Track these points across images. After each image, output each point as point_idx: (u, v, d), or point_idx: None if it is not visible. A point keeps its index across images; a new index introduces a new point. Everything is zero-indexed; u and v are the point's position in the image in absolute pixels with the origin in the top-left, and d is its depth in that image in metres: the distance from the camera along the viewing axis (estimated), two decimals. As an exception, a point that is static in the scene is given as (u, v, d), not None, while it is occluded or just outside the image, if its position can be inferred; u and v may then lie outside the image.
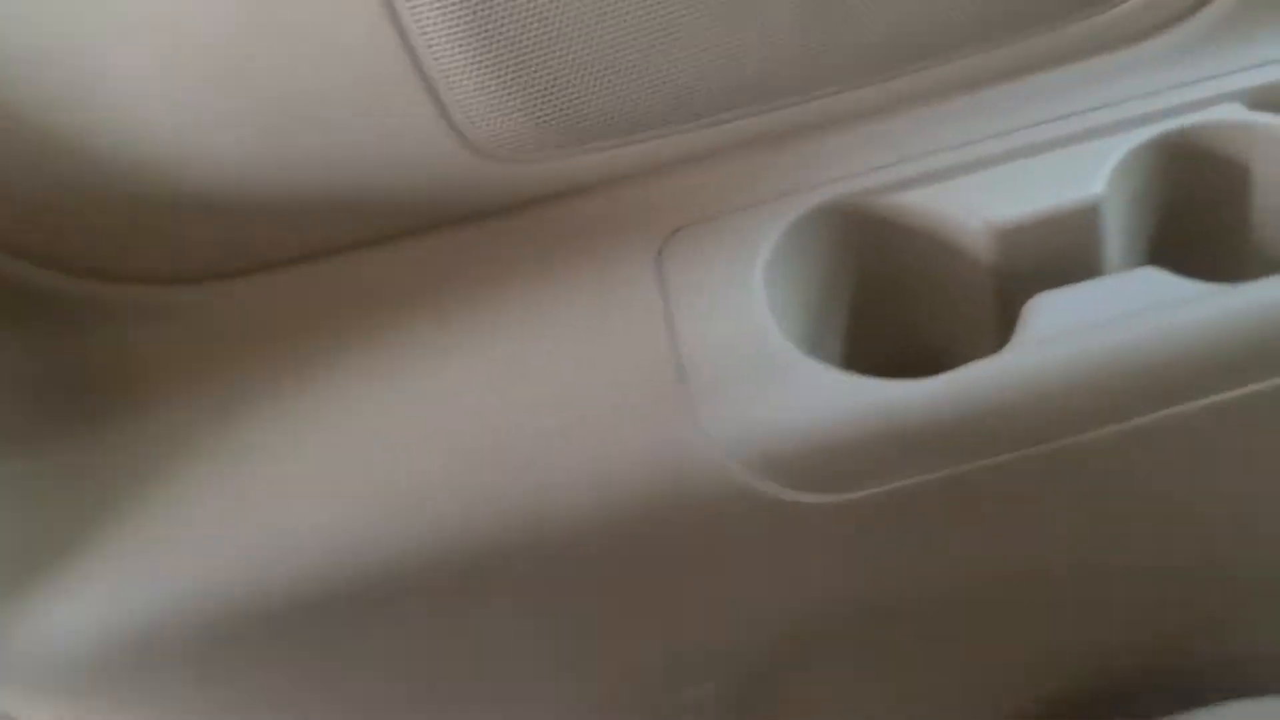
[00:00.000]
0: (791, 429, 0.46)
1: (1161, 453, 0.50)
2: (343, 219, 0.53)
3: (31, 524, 0.50)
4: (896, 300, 0.56)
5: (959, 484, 0.47)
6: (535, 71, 0.47)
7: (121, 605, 0.48)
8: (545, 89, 0.48)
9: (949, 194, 0.52)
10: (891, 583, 0.54)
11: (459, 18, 0.45)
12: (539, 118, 0.50)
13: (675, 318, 0.50)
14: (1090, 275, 0.53)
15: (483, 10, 0.45)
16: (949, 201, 0.52)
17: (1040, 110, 0.54)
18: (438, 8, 0.44)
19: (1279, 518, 0.57)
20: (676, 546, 0.50)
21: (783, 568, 0.51)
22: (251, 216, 0.52)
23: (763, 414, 0.46)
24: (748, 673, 0.58)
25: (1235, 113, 0.53)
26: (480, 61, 0.46)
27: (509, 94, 0.48)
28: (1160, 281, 0.48)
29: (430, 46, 0.45)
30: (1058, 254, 0.52)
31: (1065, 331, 0.47)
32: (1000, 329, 0.53)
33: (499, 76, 0.47)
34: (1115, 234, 0.53)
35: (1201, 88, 0.53)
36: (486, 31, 0.45)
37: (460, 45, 0.45)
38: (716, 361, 0.48)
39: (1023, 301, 0.49)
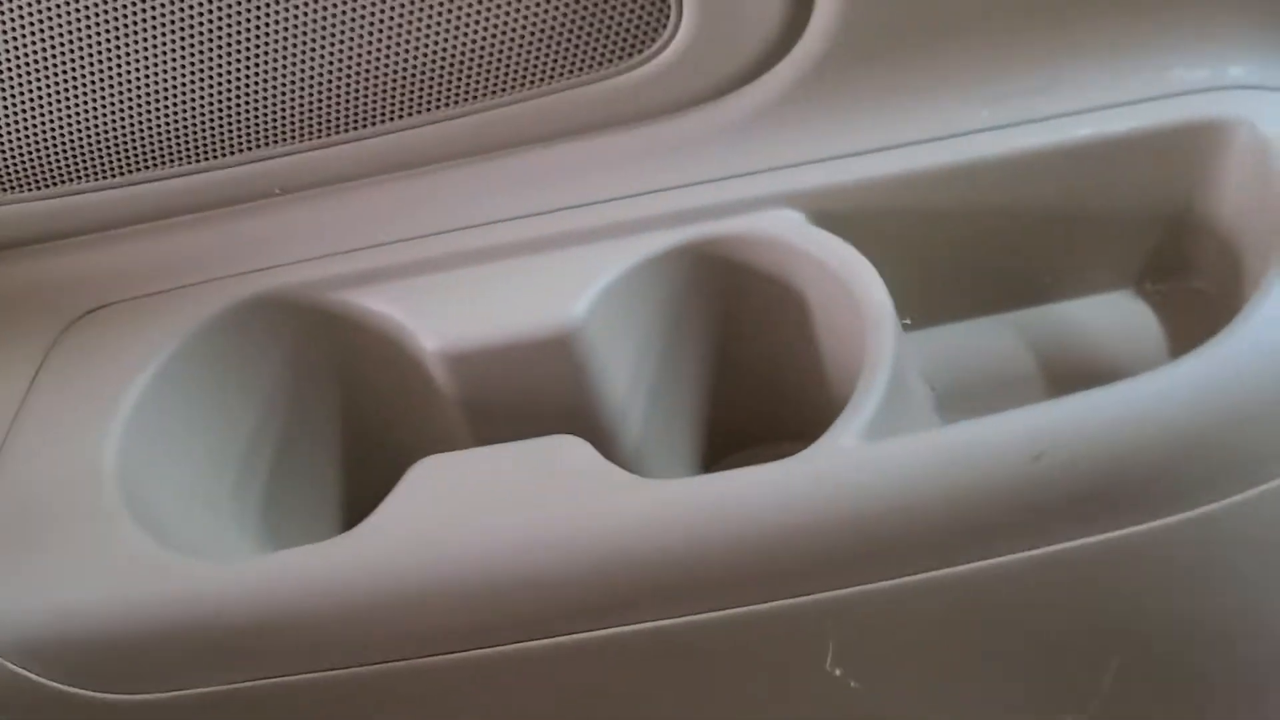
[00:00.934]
0: (76, 611, 0.36)
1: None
2: None
3: None
4: (358, 410, 0.45)
5: (280, 693, 0.36)
6: None
7: None
8: None
9: (407, 297, 0.41)
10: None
11: None
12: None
13: (13, 431, 0.40)
14: (584, 412, 0.41)
15: None
16: (404, 309, 0.41)
17: (541, 194, 0.41)
18: None
19: None
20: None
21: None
22: None
23: (43, 589, 0.36)
24: None
25: (790, 224, 0.40)
26: None
27: None
28: (572, 458, 0.36)
29: None
30: (531, 388, 0.40)
31: (428, 511, 0.35)
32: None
33: None
34: (619, 362, 0.41)
35: (750, 182, 0.40)
36: None
37: None
38: (19, 502, 0.38)
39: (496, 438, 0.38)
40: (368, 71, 0.39)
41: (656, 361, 0.42)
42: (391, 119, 0.40)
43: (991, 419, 0.32)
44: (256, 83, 0.39)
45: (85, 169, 0.42)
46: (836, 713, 0.36)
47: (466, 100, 0.40)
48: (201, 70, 0.39)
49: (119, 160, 0.41)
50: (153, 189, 0.42)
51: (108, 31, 0.38)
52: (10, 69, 0.39)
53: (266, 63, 0.39)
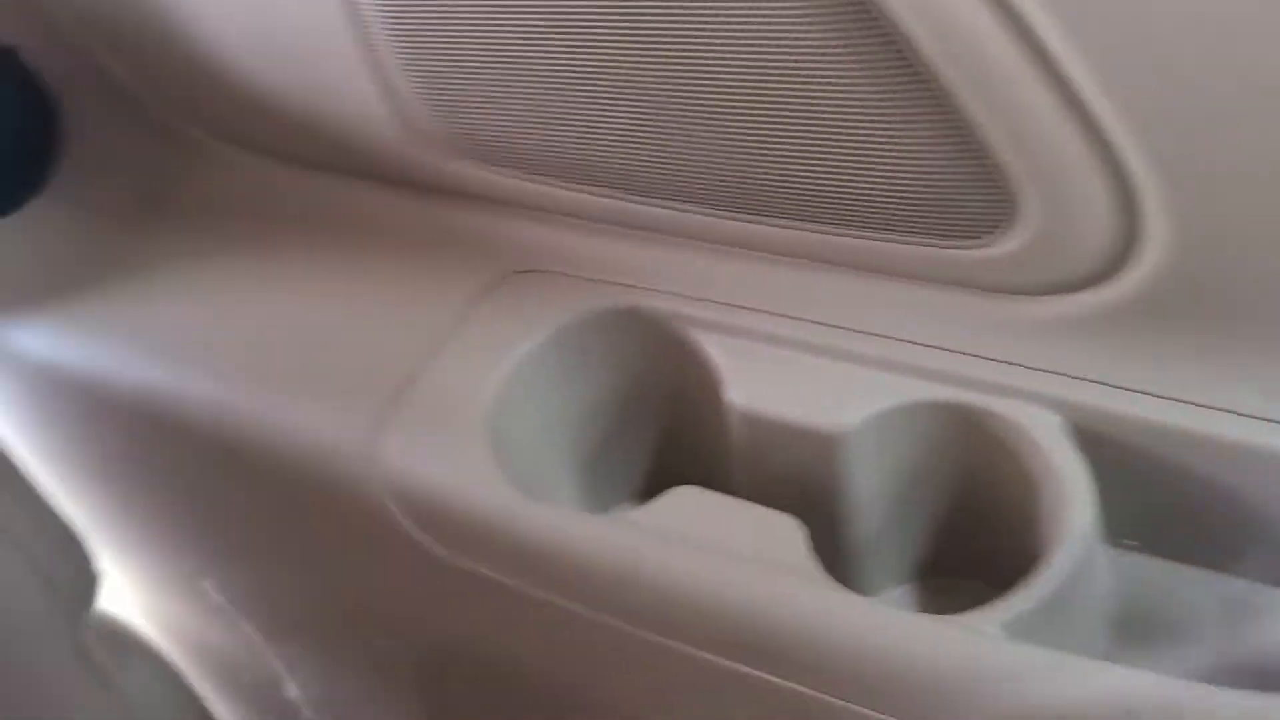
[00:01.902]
0: (446, 484, 0.51)
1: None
2: (322, 148, 0.63)
3: (59, 260, 0.69)
4: (664, 419, 0.56)
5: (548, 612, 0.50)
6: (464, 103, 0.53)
7: (66, 343, 0.66)
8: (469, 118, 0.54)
9: (736, 353, 0.52)
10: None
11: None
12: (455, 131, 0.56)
13: (444, 350, 0.55)
14: (829, 502, 0.50)
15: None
16: (729, 362, 0.52)
17: (866, 315, 0.50)
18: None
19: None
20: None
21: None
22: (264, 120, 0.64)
23: (430, 462, 0.52)
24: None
25: (1048, 426, 0.46)
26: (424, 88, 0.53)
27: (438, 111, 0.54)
28: (787, 542, 0.45)
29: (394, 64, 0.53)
30: (793, 464, 0.50)
31: (668, 528, 0.47)
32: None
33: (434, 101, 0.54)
34: (866, 472, 0.49)
35: (1030, 376, 0.46)
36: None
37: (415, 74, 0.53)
38: (432, 400, 0.54)
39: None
40: (807, 188, 0.48)
41: (894, 481, 0.50)
42: (801, 221, 0.50)
43: (1110, 668, 0.38)
44: (756, 172, 0.49)
45: (578, 175, 0.54)
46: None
47: (839, 224, 0.48)
48: (727, 149, 0.49)
49: (614, 178, 0.53)
50: (615, 205, 0.55)
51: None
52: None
53: (770, 163, 0.48)
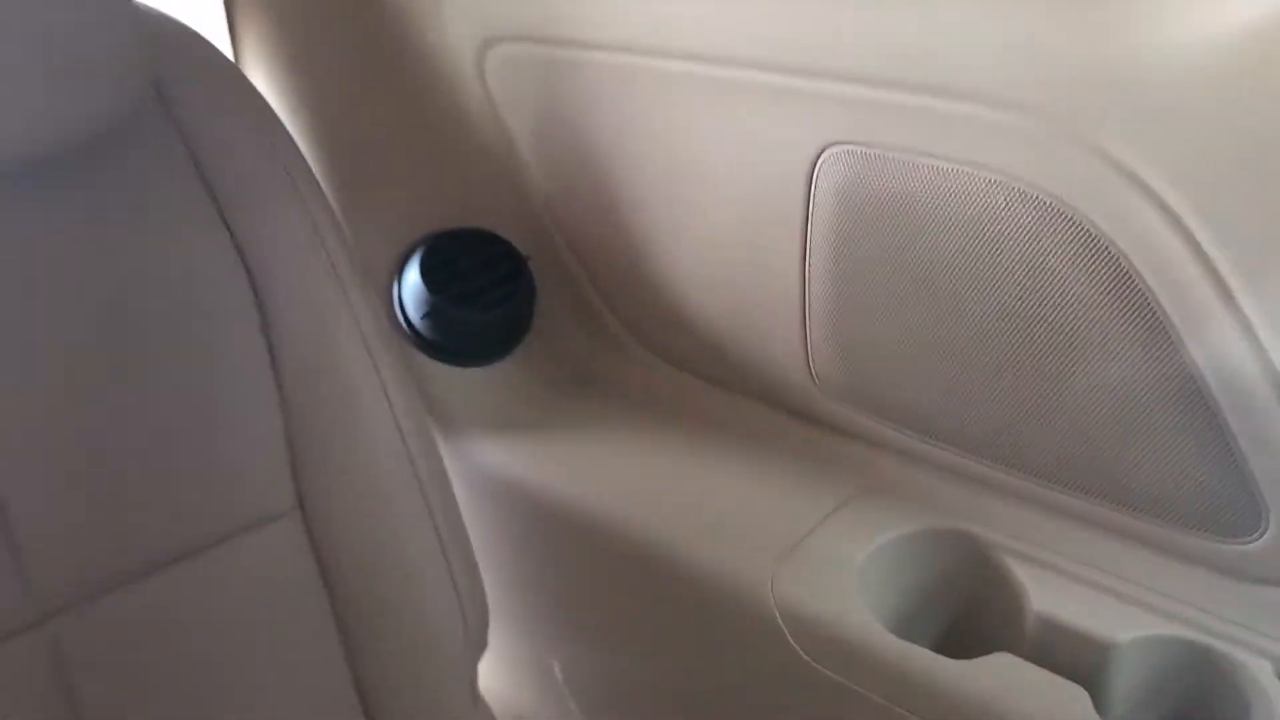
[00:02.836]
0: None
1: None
2: (732, 372, 0.91)
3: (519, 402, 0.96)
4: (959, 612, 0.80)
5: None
6: (869, 366, 0.80)
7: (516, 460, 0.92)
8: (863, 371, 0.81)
9: (1032, 574, 0.76)
10: None
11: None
12: (852, 383, 0.82)
13: (826, 522, 0.81)
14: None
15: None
16: (1029, 577, 0.76)
17: (1135, 571, 0.74)
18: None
19: None
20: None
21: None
22: (695, 343, 0.92)
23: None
24: None
25: (1263, 671, 0.68)
26: (842, 351, 0.80)
27: (845, 368, 0.81)
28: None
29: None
30: (1070, 661, 0.73)
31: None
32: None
33: (845, 361, 0.81)
34: (1118, 690, 0.72)
35: (1250, 634, 0.70)
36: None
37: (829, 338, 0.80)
38: (821, 558, 0.78)
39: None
40: (1099, 472, 0.74)
41: (1139, 691, 0.73)
42: (1091, 496, 0.75)
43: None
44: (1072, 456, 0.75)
45: (938, 432, 0.81)
46: None
47: (1119, 504, 0.73)
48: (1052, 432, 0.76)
49: (960, 438, 0.80)
50: (953, 458, 0.80)
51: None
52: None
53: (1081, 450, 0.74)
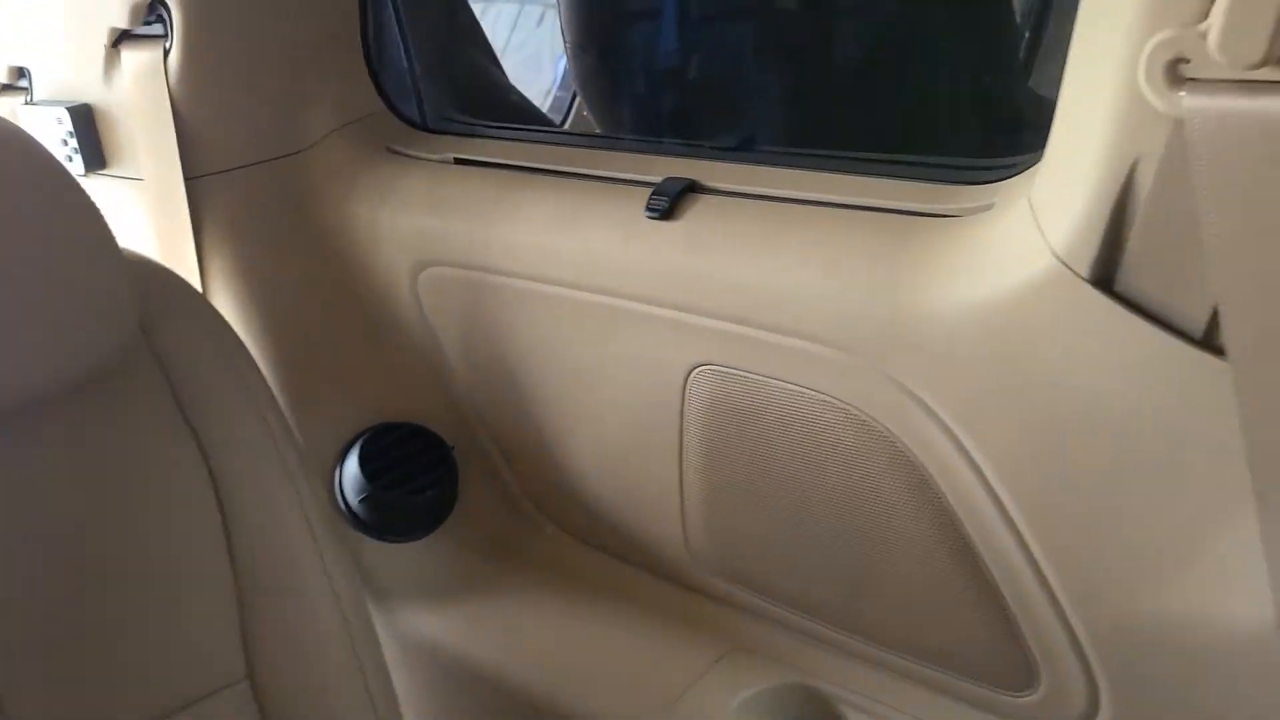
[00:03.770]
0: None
1: None
2: (621, 544, 1.05)
3: (445, 576, 1.10)
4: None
5: None
6: (736, 545, 0.96)
7: (447, 627, 1.05)
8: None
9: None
10: None
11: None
12: (721, 556, 0.97)
13: (696, 685, 0.94)
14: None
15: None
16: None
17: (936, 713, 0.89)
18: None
19: None
20: None
21: None
22: (593, 521, 1.07)
23: None
24: None
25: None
26: (718, 533, 0.96)
27: (715, 545, 0.97)
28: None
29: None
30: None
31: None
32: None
33: (716, 541, 0.96)
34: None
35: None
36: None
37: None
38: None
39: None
40: (904, 637, 0.89)
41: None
42: (903, 653, 0.90)
43: None
44: (889, 624, 0.92)
45: (791, 601, 0.96)
46: None
47: (919, 657, 0.89)
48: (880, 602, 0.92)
49: (805, 601, 0.95)
50: (801, 621, 0.96)
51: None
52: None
53: (896, 617, 0.91)
